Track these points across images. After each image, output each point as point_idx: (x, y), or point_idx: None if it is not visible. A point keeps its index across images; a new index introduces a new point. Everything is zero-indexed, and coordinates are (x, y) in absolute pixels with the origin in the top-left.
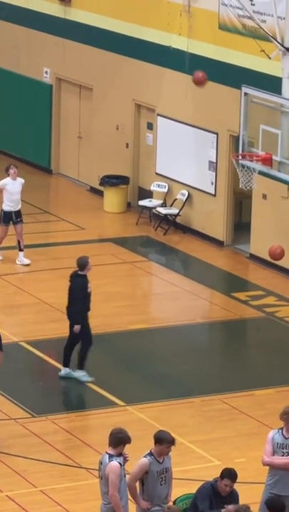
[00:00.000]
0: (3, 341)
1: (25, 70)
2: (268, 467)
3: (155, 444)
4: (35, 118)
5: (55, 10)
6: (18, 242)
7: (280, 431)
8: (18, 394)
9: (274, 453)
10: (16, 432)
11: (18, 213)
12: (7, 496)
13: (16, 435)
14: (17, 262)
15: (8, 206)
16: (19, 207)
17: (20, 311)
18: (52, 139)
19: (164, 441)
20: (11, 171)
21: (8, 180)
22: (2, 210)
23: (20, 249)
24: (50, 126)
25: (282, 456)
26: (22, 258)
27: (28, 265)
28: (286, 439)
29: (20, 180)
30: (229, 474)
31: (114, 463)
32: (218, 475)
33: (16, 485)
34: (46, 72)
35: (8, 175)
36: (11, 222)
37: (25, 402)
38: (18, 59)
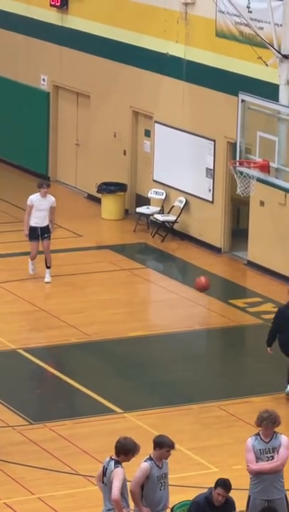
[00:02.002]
0: (0, 349)
1: (22, 78)
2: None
3: (155, 448)
4: (33, 125)
5: (53, 17)
6: (45, 259)
7: (258, 437)
8: (15, 401)
9: (257, 460)
10: (14, 440)
11: (44, 229)
12: (5, 503)
13: (13, 442)
14: (44, 280)
15: (34, 222)
16: (46, 223)
17: (18, 318)
18: (49, 146)
19: (164, 445)
20: (42, 190)
21: (36, 196)
22: (30, 225)
23: (47, 267)
24: (47, 134)
25: (267, 460)
26: (48, 276)
27: (48, 283)
28: (267, 443)
29: (50, 199)
30: (223, 484)
31: (120, 469)
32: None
33: (13, 492)
34: (43, 80)
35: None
36: (40, 238)
37: (23, 409)
38: (16, 66)
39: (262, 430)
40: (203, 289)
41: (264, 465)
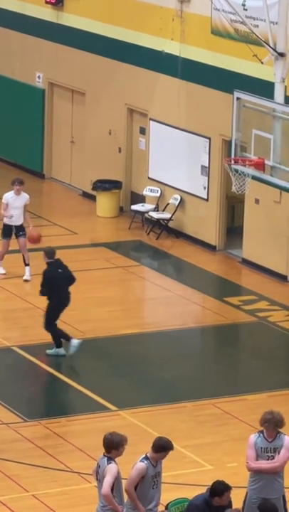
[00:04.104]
0: None
1: (17, 75)
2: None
3: (157, 451)
4: (28, 123)
5: (48, 15)
6: (23, 256)
7: (261, 435)
8: (10, 398)
9: (258, 457)
10: (8, 437)
11: (19, 228)
12: None
13: (7, 440)
14: (23, 277)
15: (8, 221)
16: (20, 222)
17: (12, 316)
18: (44, 143)
19: (167, 448)
20: (15, 187)
21: (10, 194)
22: (3, 223)
23: (26, 264)
24: (42, 131)
25: (268, 459)
26: (27, 273)
27: (27, 281)
28: (269, 442)
29: (24, 196)
30: (226, 487)
31: (113, 465)
32: (210, 480)
33: (8, 490)
34: (39, 77)
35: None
36: (13, 237)
37: (17, 406)
38: (11, 63)
39: (266, 431)
40: (35, 242)
41: (262, 464)
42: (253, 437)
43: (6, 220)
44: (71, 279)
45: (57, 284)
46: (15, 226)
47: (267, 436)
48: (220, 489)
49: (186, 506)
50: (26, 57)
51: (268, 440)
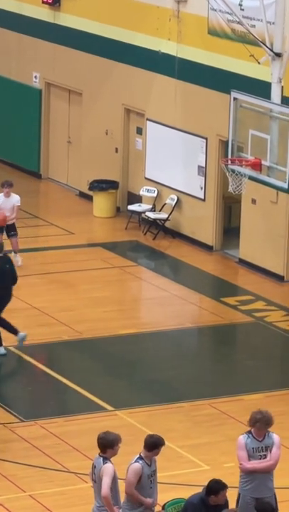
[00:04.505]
0: None
1: (14, 75)
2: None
3: (151, 449)
4: (25, 123)
5: (45, 15)
6: (15, 252)
7: (250, 435)
8: (6, 398)
9: (250, 458)
10: (5, 437)
11: (10, 227)
12: None
13: (4, 440)
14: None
15: None
16: (12, 222)
17: (9, 315)
18: (41, 143)
19: (159, 445)
20: (5, 190)
21: (1, 197)
22: None
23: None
24: (39, 131)
25: (260, 459)
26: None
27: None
28: (260, 442)
29: (14, 199)
30: (222, 486)
31: (109, 464)
32: (206, 480)
33: (4, 490)
34: (35, 77)
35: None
36: (4, 234)
37: (14, 406)
38: (8, 63)
39: (254, 430)
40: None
41: (256, 464)
42: (243, 438)
43: None
44: (15, 279)
45: (3, 279)
46: (6, 226)
47: (256, 435)
48: (216, 488)
49: (183, 505)
50: (23, 57)
51: (258, 440)
